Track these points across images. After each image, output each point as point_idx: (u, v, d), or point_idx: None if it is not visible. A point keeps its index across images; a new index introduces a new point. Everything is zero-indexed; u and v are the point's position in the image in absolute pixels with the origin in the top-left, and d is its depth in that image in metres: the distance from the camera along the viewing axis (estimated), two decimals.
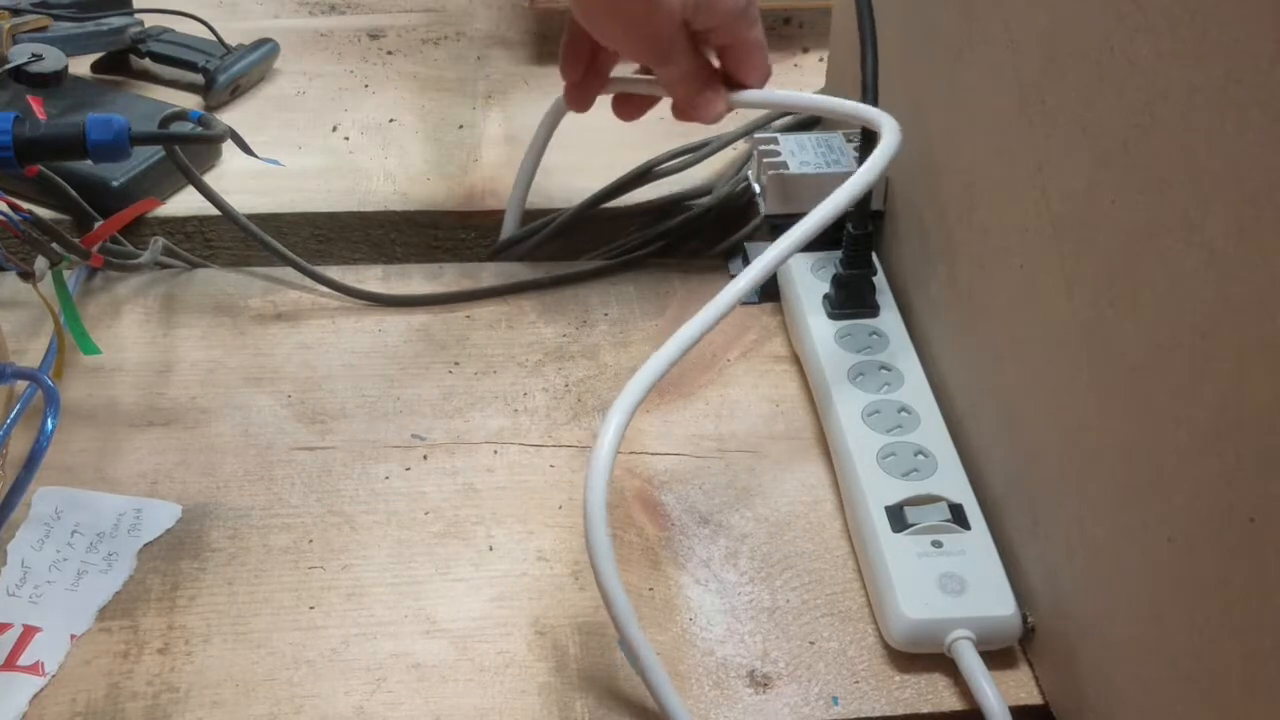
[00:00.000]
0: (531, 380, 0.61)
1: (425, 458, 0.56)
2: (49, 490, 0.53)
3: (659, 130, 0.79)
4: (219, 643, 0.48)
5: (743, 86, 0.57)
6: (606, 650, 0.48)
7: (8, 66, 0.70)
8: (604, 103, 0.81)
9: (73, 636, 0.48)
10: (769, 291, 0.65)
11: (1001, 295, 0.50)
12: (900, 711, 0.47)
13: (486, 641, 0.48)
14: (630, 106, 0.61)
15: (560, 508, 0.54)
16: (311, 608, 0.49)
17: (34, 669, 0.46)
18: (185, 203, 0.69)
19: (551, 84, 0.83)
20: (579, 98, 0.60)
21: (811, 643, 0.49)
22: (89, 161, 0.53)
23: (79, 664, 0.47)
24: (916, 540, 0.49)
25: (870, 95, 0.57)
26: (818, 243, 0.63)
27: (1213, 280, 0.35)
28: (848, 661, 0.48)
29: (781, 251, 0.52)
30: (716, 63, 0.57)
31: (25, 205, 0.55)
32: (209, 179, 0.66)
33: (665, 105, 0.59)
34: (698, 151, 0.72)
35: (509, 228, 0.69)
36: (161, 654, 0.47)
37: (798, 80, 0.84)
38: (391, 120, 0.78)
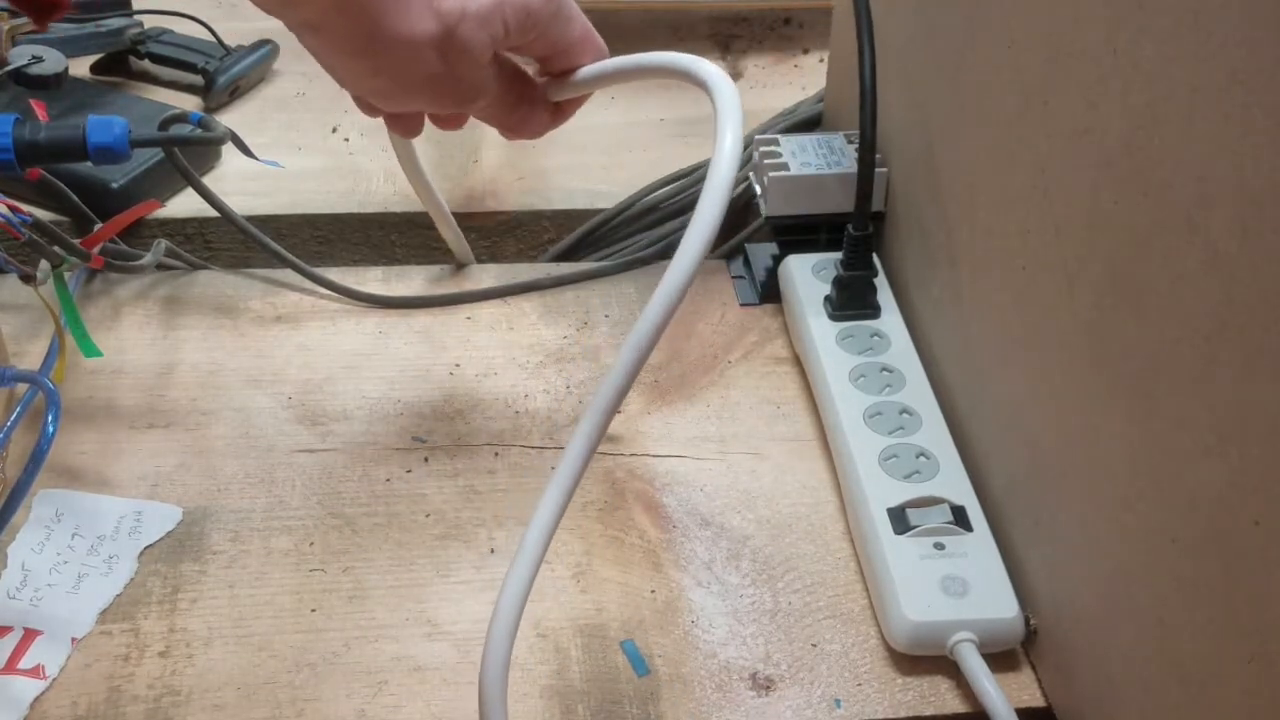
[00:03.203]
0: (532, 382, 0.61)
1: (426, 460, 0.56)
2: (49, 493, 0.53)
3: (659, 132, 0.79)
4: (220, 645, 0.48)
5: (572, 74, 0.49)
6: (608, 653, 0.48)
7: (8, 68, 0.70)
8: (603, 103, 0.81)
9: (73, 640, 0.48)
10: (770, 293, 0.65)
11: (1003, 297, 0.50)
12: (903, 714, 0.46)
13: None
14: (446, 121, 0.51)
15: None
16: (313, 610, 0.49)
17: (35, 672, 0.46)
18: (185, 204, 0.69)
19: None
20: (405, 126, 0.52)
21: (814, 645, 0.49)
22: (89, 163, 0.53)
23: (80, 667, 0.47)
24: (918, 542, 0.49)
25: (868, 96, 0.57)
26: (820, 244, 0.64)
27: (1216, 282, 0.35)
28: (850, 664, 0.48)
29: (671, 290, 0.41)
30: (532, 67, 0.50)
31: (25, 207, 0.55)
32: (209, 181, 0.66)
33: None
34: (689, 177, 0.72)
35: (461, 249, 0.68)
36: (162, 657, 0.47)
37: (798, 81, 0.84)
38: None
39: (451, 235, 0.66)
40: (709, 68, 0.44)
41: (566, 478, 0.42)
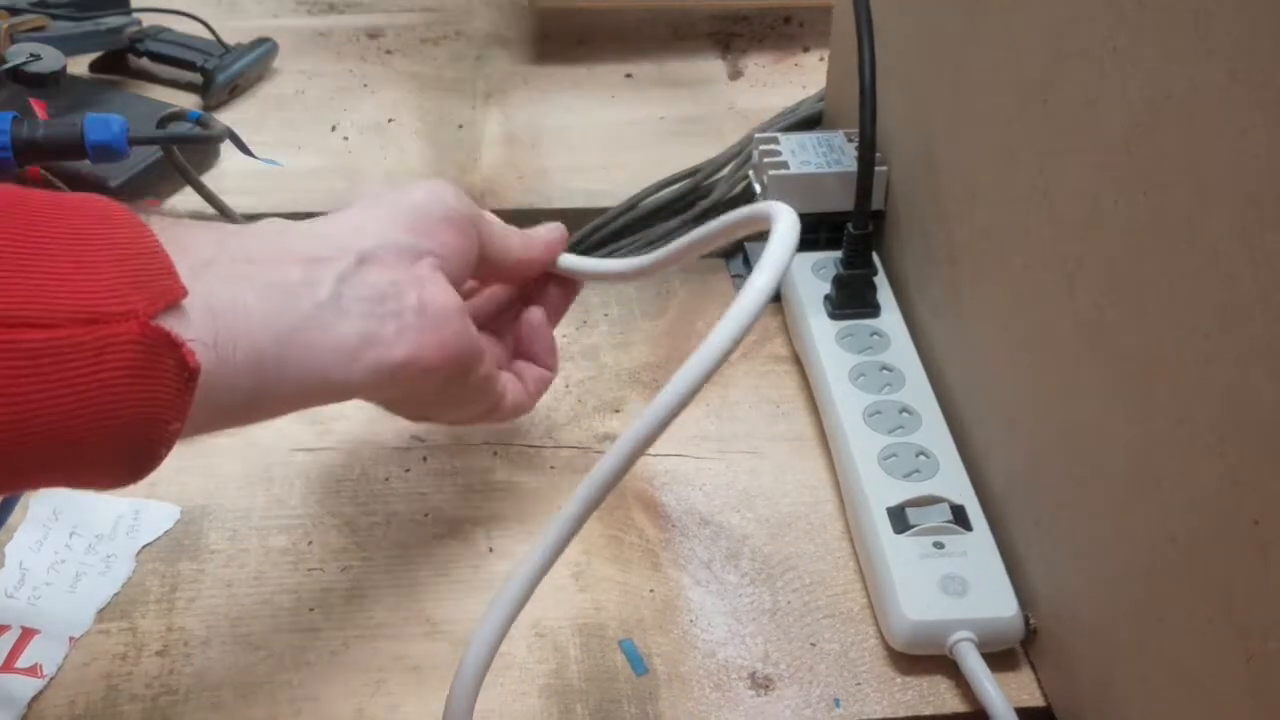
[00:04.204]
0: None
1: (425, 459, 0.56)
2: (47, 491, 0.53)
3: (659, 130, 0.79)
4: (218, 644, 0.48)
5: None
6: (607, 652, 0.48)
7: (6, 66, 0.70)
8: (603, 102, 0.81)
9: (71, 639, 0.48)
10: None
11: (1003, 296, 0.50)
12: (902, 714, 0.46)
13: None
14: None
15: (560, 509, 0.54)
16: (311, 609, 0.49)
17: (32, 671, 0.46)
18: (184, 203, 0.68)
19: (551, 84, 0.83)
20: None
21: (813, 644, 0.49)
22: (87, 161, 0.53)
23: (77, 666, 0.47)
24: (918, 541, 0.49)
25: (868, 94, 0.57)
26: (819, 243, 0.64)
27: (1215, 281, 0.35)
28: (849, 663, 0.48)
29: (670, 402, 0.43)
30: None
31: None
32: (207, 179, 0.66)
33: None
34: (692, 178, 0.72)
35: None
36: (160, 656, 0.47)
37: (798, 80, 0.84)
38: (390, 120, 0.78)
39: None
40: (778, 207, 0.45)
41: (581, 508, 0.42)
